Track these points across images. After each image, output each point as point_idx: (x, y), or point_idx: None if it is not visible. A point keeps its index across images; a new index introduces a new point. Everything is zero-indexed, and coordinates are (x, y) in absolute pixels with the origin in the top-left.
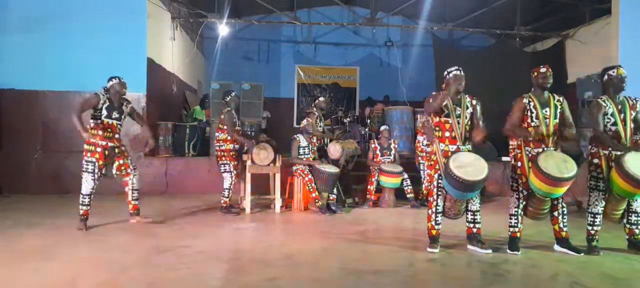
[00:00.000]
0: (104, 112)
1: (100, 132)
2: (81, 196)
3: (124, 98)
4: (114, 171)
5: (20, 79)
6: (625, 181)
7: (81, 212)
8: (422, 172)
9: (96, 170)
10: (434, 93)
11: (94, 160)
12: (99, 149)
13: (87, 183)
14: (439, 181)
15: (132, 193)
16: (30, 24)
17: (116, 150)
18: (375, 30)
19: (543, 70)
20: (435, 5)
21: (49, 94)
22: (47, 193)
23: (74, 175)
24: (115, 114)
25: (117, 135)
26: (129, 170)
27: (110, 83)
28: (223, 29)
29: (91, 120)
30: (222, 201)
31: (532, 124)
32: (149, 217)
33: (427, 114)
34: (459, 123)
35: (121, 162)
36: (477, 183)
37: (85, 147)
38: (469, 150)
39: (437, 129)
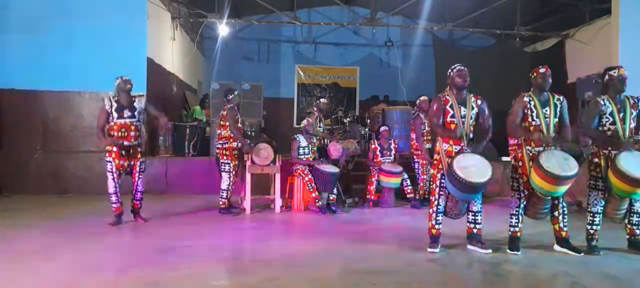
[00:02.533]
0: (114, 114)
1: (115, 133)
2: (108, 194)
3: (134, 96)
4: (127, 169)
5: (20, 79)
6: (621, 180)
7: (112, 208)
8: (417, 171)
9: (114, 169)
10: (433, 100)
11: (110, 159)
12: (115, 149)
13: (109, 182)
14: (442, 180)
15: (136, 193)
16: (30, 24)
17: (131, 150)
18: (375, 30)
19: (542, 70)
20: (435, 5)
21: (49, 94)
22: (47, 193)
23: (74, 175)
24: (126, 113)
25: (133, 133)
26: (137, 171)
27: (116, 82)
28: (223, 29)
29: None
30: (220, 202)
31: (533, 123)
32: (147, 219)
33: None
34: (463, 123)
35: (133, 163)
36: (480, 185)
37: (106, 148)
38: (473, 151)
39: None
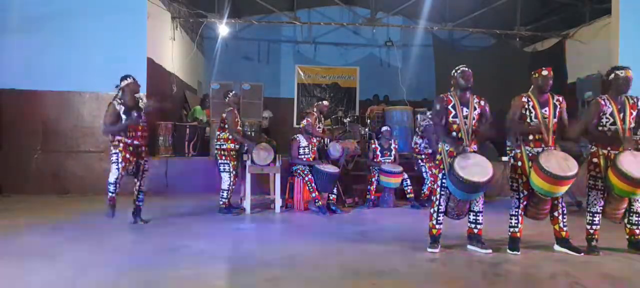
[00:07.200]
0: (123, 117)
1: (123, 134)
2: (107, 184)
3: (138, 97)
4: (132, 168)
5: (20, 79)
6: (621, 180)
7: (107, 198)
8: (424, 173)
9: (120, 160)
10: (436, 100)
11: (117, 151)
12: (121, 144)
13: (113, 172)
14: (443, 180)
15: (139, 194)
16: (30, 24)
17: (138, 150)
18: (375, 30)
19: (545, 73)
20: (435, 5)
21: (49, 94)
22: (47, 193)
23: (74, 175)
24: (134, 114)
25: (140, 134)
26: (141, 171)
27: (125, 82)
28: (223, 29)
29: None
30: (220, 202)
31: (531, 123)
32: (147, 220)
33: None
34: (466, 124)
35: (141, 162)
36: (480, 184)
37: (113, 143)
38: (474, 151)
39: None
